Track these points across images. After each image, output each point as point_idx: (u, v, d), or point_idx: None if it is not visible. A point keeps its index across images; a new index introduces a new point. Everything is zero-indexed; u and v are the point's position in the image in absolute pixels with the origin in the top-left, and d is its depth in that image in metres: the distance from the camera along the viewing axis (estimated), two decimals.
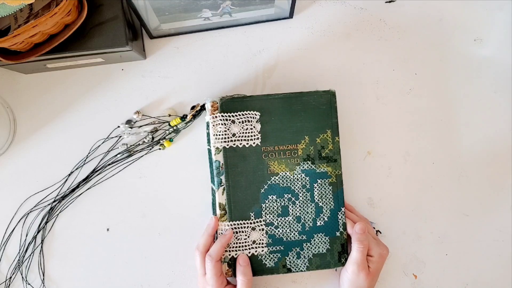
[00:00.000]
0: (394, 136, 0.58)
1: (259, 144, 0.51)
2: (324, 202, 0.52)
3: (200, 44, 0.58)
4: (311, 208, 0.52)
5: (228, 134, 0.50)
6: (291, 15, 0.58)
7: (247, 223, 0.51)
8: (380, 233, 0.57)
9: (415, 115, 0.59)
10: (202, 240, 0.50)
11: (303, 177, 0.52)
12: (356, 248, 0.50)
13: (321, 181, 0.52)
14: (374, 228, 0.57)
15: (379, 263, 0.50)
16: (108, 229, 0.56)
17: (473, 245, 0.58)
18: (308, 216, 0.52)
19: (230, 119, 0.50)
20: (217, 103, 0.51)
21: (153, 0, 0.47)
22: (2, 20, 0.47)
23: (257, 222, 0.51)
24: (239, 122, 0.51)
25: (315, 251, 0.52)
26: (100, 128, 0.57)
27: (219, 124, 0.50)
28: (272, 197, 0.52)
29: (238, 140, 0.51)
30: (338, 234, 0.52)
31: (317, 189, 0.52)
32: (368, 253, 0.50)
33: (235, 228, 0.50)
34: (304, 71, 0.58)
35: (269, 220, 0.51)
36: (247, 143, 0.51)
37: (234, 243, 0.50)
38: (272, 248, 0.51)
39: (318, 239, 0.52)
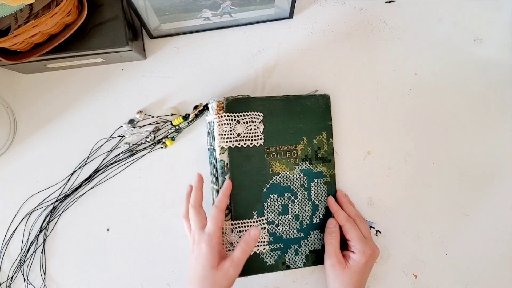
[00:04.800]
0: (394, 136, 0.58)
1: (262, 144, 0.52)
2: (320, 200, 0.54)
3: (200, 44, 0.58)
4: (308, 206, 0.54)
5: (233, 134, 0.51)
6: (291, 15, 0.58)
7: (250, 222, 0.51)
8: (380, 233, 0.57)
9: (415, 115, 0.59)
10: (195, 196, 0.49)
11: (302, 177, 0.53)
12: (326, 241, 0.51)
13: (317, 180, 0.54)
14: (374, 228, 0.57)
15: (362, 261, 0.49)
16: (108, 229, 0.56)
17: (473, 245, 0.58)
18: (305, 214, 0.53)
19: (235, 119, 0.51)
20: (223, 103, 0.51)
21: (153, 0, 0.47)
22: (2, 20, 0.47)
23: (259, 220, 0.51)
24: (244, 123, 0.51)
25: (311, 248, 0.53)
26: (100, 128, 0.57)
27: (224, 124, 0.50)
28: (274, 196, 0.52)
29: (243, 140, 0.51)
30: None
31: (314, 188, 0.54)
32: (350, 248, 0.50)
33: (238, 227, 0.51)
34: (304, 71, 0.58)
35: (271, 219, 0.52)
36: (251, 143, 0.52)
37: (237, 242, 0.50)
38: (272, 246, 0.52)
39: (314, 236, 0.53)
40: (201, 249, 0.45)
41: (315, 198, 0.54)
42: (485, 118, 0.59)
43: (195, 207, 0.48)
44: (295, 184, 0.53)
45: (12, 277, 0.55)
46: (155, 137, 0.56)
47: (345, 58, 0.59)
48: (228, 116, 0.51)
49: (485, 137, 0.59)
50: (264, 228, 0.52)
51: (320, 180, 0.54)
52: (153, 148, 0.57)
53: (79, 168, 0.56)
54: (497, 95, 0.59)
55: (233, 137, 0.51)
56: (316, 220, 0.54)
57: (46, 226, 0.56)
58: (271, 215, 0.52)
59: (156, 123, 0.57)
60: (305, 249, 0.53)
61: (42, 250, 0.56)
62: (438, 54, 0.59)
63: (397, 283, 0.57)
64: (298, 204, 0.53)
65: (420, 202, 0.58)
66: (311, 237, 0.53)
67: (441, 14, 0.60)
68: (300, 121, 0.53)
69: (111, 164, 0.56)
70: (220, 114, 0.51)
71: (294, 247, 0.53)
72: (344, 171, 0.57)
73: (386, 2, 0.60)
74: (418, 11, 0.60)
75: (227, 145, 0.51)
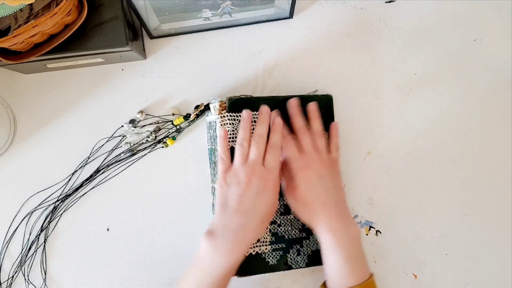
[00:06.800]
0: (394, 136, 0.58)
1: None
2: None
3: (200, 44, 0.58)
4: None
5: (235, 133, 0.51)
6: (291, 15, 0.58)
7: None
8: (380, 233, 0.57)
9: (415, 115, 0.59)
10: (281, 139, 0.48)
11: None
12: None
13: None
14: (374, 228, 0.57)
15: (298, 176, 0.48)
16: (108, 229, 0.56)
17: (473, 245, 0.58)
18: None
19: (237, 119, 0.51)
20: (225, 103, 0.51)
21: (153, 0, 0.47)
22: (2, 20, 0.47)
23: None
24: None
25: (313, 248, 0.53)
26: (100, 128, 0.57)
27: (227, 123, 0.50)
28: None
29: None
30: None
31: None
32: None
33: None
34: (304, 71, 0.58)
35: (273, 219, 0.52)
36: None
37: None
38: (274, 246, 0.52)
39: (316, 236, 0.52)
40: (267, 186, 0.45)
41: None
42: (485, 118, 0.59)
43: (280, 148, 0.48)
44: None
45: (12, 276, 0.55)
46: (156, 136, 0.56)
47: (345, 58, 0.59)
48: (230, 116, 0.50)
49: (485, 137, 0.59)
50: (266, 228, 0.52)
51: None
52: (154, 147, 0.57)
53: (80, 168, 0.56)
54: (497, 95, 0.59)
55: (235, 137, 0.51)
56: None
57: (47, 226, 0.56)
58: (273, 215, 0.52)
59: (157, 123, 0.57)
60: (307, 249, 0.53)
61: (43, 250, 0.56)
62: (438, 54, 0.59)
63: (397, 283, 0.57)
64: None
65: (420, 202, 0.58)
66: (313, 237, 0.53)
67: (441, 14, 0.60)
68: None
69: (112, 164, 0.56)
70: (222, 114, 0.51)
71: (296, 247, 0.52)
72: (344, 171, 0.57)
73: (386, 2, 0.60)
74: (418, 11, 0.60)
75: (229, 144, 0.51)
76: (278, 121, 0.49)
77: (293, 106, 0.52)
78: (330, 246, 0.45)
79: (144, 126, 0.57)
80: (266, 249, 0.51)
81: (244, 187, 0.45)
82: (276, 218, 0.52)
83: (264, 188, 0.45)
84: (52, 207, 0.56)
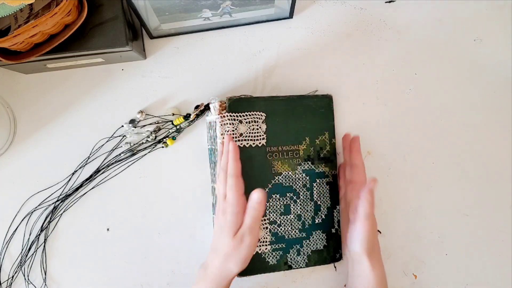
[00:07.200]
0: (394, 136, 0.58)
1: (264, 144, 0.52)
2: (322, 200, 0.54)
3: (200, 44, 0.58)
4: (311, 207, 0.53)
5: (235, 133, 0.51)
6: (291, 15, 0.58)
7: None
8: (380, 233, 0.57)
9: (415, 115, 0.59)
10: (234, 165, 0.47)
11: (304, 177, 0.53)
12: (364, 204, 0.47)
13: (319, 180, 0.54)
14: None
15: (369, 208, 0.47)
16: (108, 229, 0.56)
17: (473, 245, 0.58)
18: (307, 214, 0.53)
19: (237, 119, 0.51)
20: (225, 103, 0.51)
21: (153, 0, 0.47)
22: (2, 20, 0.47)
23: (261, 221, 0.51)
24: (246, 122, 0.51)
25: (313, 248, 0.53)
26: (101, 127, 0.57)
27: (227, 123, 0.51)
28: (276, 196, 0.52)
29: (245, 140, 0.51)
30: (333, 231, 0.54)
31: (316, 188, 0.54)
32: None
33: None
34: (304, 71, 0.58)
35: (273, 219, 0.52)
36: (253, 143, 0.52)
37: None
38: (274, 246, 0.52)
39: (316, 236, 0.53)
40: (226, 218, 0.45)
41: (317, 198, 0.54)
42: (485, 118, 0.59)
43: (235, 176, 0.46)
44: (297, 184, 0.53)
45: (13, 276, 0.55)
46: (156, 136, 0.57)
47: (345, 58, 0.59)
48: (230, 116, 0.51)
49: (485, 137, 0.59)
50: (266, 228, 0.52)
51: (322, 180, 0.54)
52: (154, 147, 0.57)
53: (80, 168, 0.56)
54: (497, 95, 0.59)
55: (236, 137, 0.51)
56: (318, 220, 0.54)
57: (47, 226, 0.56)
58: (273, 215, 0.52)
59: (157, 123, 0.57)
60: (307, 249, 0.53)
61: (43, 250, 0.56)
62: (438, 54, 0.59)
63: (397, 283, 0.57)
64: (300, 204, 0.53)
65: (420, 202, 0.58)
66: (313, 237, 0.53)
67: (441, 14, 0.60)
68: (302, 121, 0.53)
69: (112, 164, 0.56)
70: (222, 114, 0.51)
71: (296, 247, 0.53)
72: None
73: (386, 2, 0.60)
74: (418, 11, 0.60)
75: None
76: (232, 147, 0.48)
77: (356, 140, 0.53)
78: (372, 275, 0.47)
79: (144, 126, 0.57)
80: (266, 249, 0.51)
81: (215, 225, 0.48)
82: (276, 218, 0.52)
83: (224, 226, 0.45)
84: (52, 207, 0.56)
